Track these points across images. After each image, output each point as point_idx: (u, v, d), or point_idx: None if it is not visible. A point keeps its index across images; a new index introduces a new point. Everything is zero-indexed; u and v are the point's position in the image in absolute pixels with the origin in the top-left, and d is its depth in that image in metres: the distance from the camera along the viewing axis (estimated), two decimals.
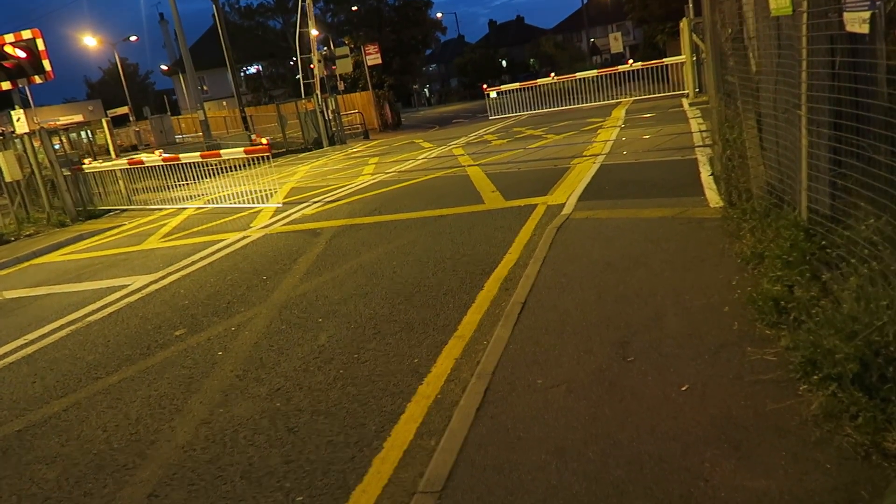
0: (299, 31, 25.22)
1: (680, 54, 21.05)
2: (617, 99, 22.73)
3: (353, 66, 30.11)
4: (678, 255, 5.06)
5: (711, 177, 7.31)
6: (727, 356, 3.30)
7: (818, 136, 3.63)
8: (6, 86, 12.58)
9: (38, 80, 12.56)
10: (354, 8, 51.51)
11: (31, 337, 5.99)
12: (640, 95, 22.20)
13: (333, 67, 26.27)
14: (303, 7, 24.55)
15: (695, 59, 17.82)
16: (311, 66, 23.90)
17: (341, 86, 29.42)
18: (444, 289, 5.35)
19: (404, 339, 4.43)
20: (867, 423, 2.39)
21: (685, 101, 17.47)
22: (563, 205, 7.50)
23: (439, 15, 60.95)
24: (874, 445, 2.31)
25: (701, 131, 11.04)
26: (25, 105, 16.05)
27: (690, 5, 17.37)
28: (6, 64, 12.19)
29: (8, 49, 12.18)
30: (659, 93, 21.67)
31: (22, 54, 12.21)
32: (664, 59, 22.89)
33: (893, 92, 3.15)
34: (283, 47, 53.34)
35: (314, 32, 26.86)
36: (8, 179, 13.26)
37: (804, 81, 3.62)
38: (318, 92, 24.53)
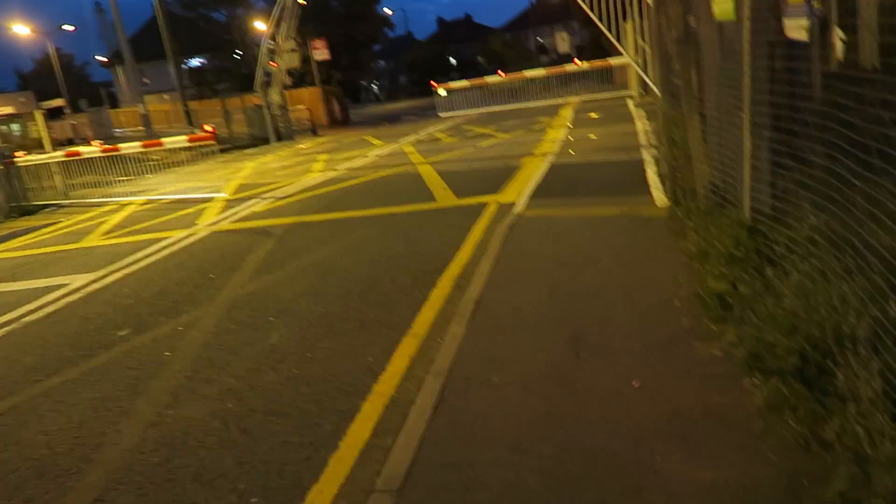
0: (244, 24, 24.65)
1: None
2: (564, 98, 23.05)
3: (300, 60, 29.66)
4: (627, 252, 5.19)
5: (658, 176, 7.51)
6: (676, 351, 3.40)
7: (760, 139, 3.78)
8: None
9: None
10: (302, 1, 50.77)
11: None
12: (586, 95, 22.58)
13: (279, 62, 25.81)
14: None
15: (639, 60, 18.23)
16: (273, 63, 23.48)
17: (288, 80, 28.96)
18: (398, 286, 5.35)
19: (358, 338, 4.40)
20: (807, 414, 2.50)
21: (630, 102, 17.87)
22: (514, 203, 7.58)
23: (388, 11, 60.69)
24: (814, 435, 2.43)
25: (647, 131, 11.32)
26: None
27: (635, 7, 17.76)
28: None
29: None
30: (605, 93, 22.10)
31: None
32: (610, 60, 23.34)
33: (827, 97, 3.31)
34: (227, 40, 52.15)
35: (261, 26, 26.36)
36: None
37: (747, 85, 3.76)
38: (263, 87, 24.06)
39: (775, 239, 3.54)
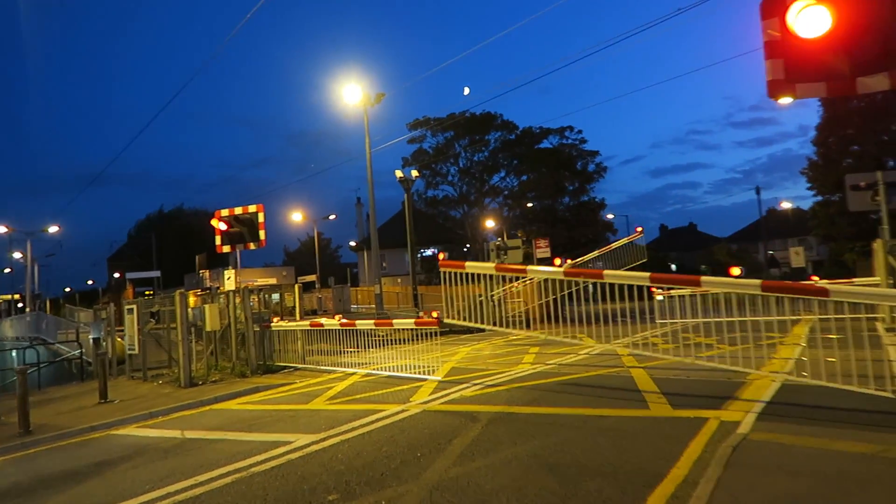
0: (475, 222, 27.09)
1: (872, 275, 19.65)
2: (798, 314, 21.29)
3: (522, 257, 31.41)
4: (883, 500, 4.41)
5: None
6: None
7: None
8: (226, 249, 14.61)
9: (252, 246, 14.50)
10: (530, 204, 54.81)
11: (200, 479, 6.39)
12: (824, 314, 20.64)
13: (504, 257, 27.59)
14: (482, 201, 26.58)
15: (891, 281, 16.53)
16: (498, 261, 25.39)
17: None
18: (604, 496, 5.02)
19: None
20: None
21: (880, 326, 15.98)
22: (738, 422, 6.93)
23: (611, 216, 62.86)
24: None
25: None
26: (235, 266, 18.39)
27: (885, 226, 16.51)
28: (230, 230, 14.25)
29: (234, 220, 14.30)
30: (847, 313, 20.04)
31: (223, 227, 14.25)
32: (854, 280, 21.43)
33: None
34: (459, 234, 57.37)
35: (490, 224, 28.84)
36: (208, 329, 14.93)
37: None
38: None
39: None
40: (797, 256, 36.82)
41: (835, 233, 38.58)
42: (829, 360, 11.16)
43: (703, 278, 8.50)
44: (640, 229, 27.63)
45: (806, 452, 5.72)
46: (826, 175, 37.15)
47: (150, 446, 8.37)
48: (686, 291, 25.43)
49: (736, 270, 22.75)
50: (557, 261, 26.02)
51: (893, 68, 5.12)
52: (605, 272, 9.78)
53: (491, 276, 12.18)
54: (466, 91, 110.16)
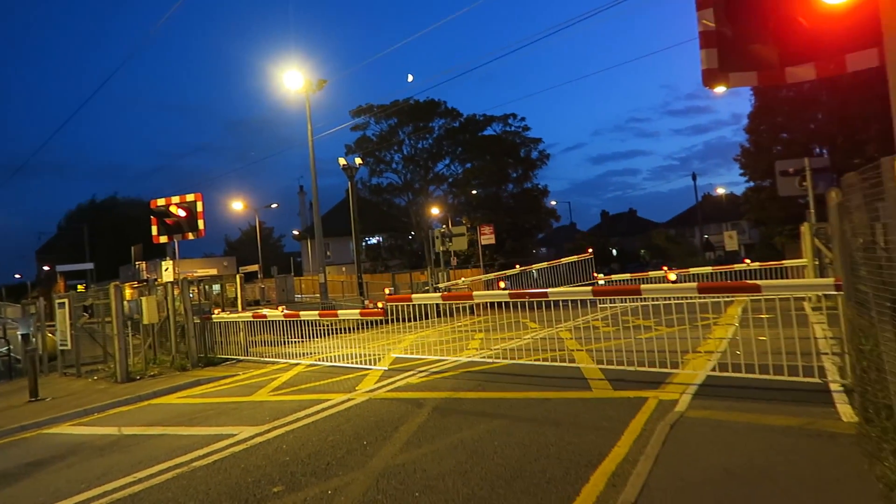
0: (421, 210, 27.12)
1: (799, 257, 20.55)
2: (732, 296, 22.11)
3: (467, 243, 31.61)
4: (809, 472, 4.64)
5: (842, 388, 6.82)
6: None
7: None
8: (163, 239, 14.17)
9: (191, 236, 14.11)
10: (474, 192, 55.09)
11: (139, 475, 6.21)
12: (756, 295, 21.49)
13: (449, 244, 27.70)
14: (427, 189, 26.61)
15: (817, 263, 17.33)
16: (443, 248, 25.48)
17: (454, 261, 30.74)
18: (547, 477, 5.12)
19: None
20: None
21: (807, 305, 16.74)
22: (675, 401, 7.17)
23: (553, 203, 63.79)
24: None
25: (827, 338, 10.44)
26: (173, 257, 17.88)
27: (812, 210, 17.27)
28: (168, 221, 13.82)
29: (172, 209, 13.87)
30: (778, 293, 20.91)
31: (182, 214, 13.85)
32: (784, 262, 22.36)
33: None
34: (404, 222, 57.23)
35: (435, 211, 28.90)
36: (145, 322, 14.47)
37: None
38: (432, 266, 25.71)
39: None
40: (731, 240, 38.25)
41: (766, 217, 40.15)
42: (761, 338, 11.64)
43: (643, 287, 8.97)
44: (590, 250, 28.82)
45: (738, 428, 5.96)
46: (757, 162, 38.54)
47: (85, 444, 8.08)
48: (625, 276, 26.07)
49: (672, 276, 23.52)
50: (503, 284, 26.42)
51: (820, 59, 5.33)
52: (550, 290, 10.18)
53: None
54: (410, 78, 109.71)
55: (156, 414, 9.58)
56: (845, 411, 6.05)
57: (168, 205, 14.26)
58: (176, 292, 14.94)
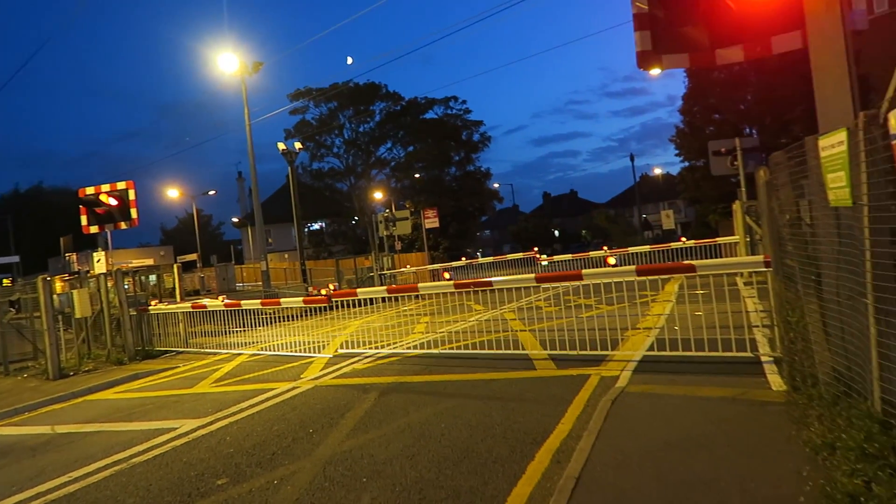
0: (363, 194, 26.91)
1: (733, 234, 21.34)
2: (670, 274, 22.82)
3: (411, 227, 31.55)
4: (741, 438, 4.83)
5: (772, 359, 7.13)
6: None
7: (887, 326, 3.57)
8: (94, 229, 13.60)
9: (124, 226, 13.59)
10: (417, 175, 54.93)
11: (75, 475, 5.99)
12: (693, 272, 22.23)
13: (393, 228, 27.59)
14: (370, 173, 26.40)
15: (748, 239, 18.02)
16: (386, 232, 25.35)
17: (399, 245, 30.66)
18: (494, 456, 5.19)
19: None
20: None
21: (739, 280, 17.42)
22: (616, 377, 7.36)
23: (496, 185, 64.22)
24: None
25: (757, 311, 10.89)
26: (105, 247, 17.22)
27: (743, 189, 17.90)
28: (98, 210, 13.27)
29: (103, 197, 13.31)
30: (710, 271, 21.67)
31: (114, 202, 13.32)
32: (717, 239, 23.19)
33: None
34: (347, 207, 56.66)
35: (378, 195, 28.79)
36: (77, 316, 13.92)
37: (869, 271, 3.64)
38: (376, 251, 25.59)
39: None
40: (668, 219, 39.38)
41: (700, 196, 41.48)
42: (697, 314, 12.06)
43: (585, 271, 9.22)
44: (536, 250, 29.61)
45: (676, 400, 6.17)
46: (692, 142, 39.70)
47: (15, 445, 7.73)
48: (567, 257, 26.51)
49: (612, 260, 24.06)
50: (447, 275, 26.56)
51: (747, 41, 5.49)
52: (494, 279, 10.34)
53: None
54: (350, 60, 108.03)
55: (91, 410, 9.25)
56: (775, 381, 6.32)
57: (98, 193, 13.69)
58: (110, 284, 14.40)
